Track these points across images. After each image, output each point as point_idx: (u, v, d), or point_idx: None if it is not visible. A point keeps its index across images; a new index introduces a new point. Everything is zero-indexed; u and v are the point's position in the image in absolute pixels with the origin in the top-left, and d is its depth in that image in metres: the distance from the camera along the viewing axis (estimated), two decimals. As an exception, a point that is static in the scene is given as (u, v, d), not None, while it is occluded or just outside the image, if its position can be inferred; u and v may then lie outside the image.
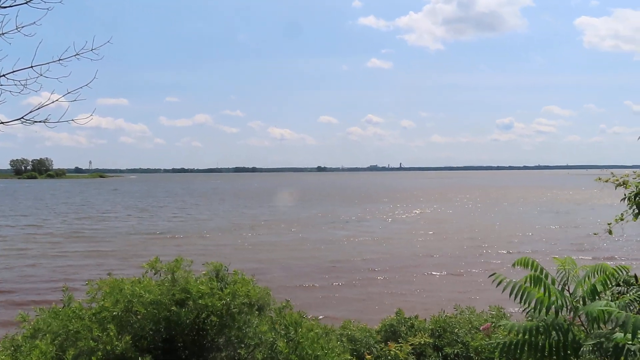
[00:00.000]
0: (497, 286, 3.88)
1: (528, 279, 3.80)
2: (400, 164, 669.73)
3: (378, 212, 52.49)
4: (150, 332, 4.60)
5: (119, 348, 4.19)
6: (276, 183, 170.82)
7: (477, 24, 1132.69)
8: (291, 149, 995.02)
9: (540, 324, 3.64)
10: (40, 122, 4.20)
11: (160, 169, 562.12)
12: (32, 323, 4.53)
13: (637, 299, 4.12)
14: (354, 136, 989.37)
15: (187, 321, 4.63)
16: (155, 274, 5.07)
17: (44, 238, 33.77)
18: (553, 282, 3.87)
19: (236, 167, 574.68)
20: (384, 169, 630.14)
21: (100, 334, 4.25)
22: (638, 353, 3.24)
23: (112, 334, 4.21)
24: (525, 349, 3.64)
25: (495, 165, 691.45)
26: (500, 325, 6.08)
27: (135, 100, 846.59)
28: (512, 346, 3.71)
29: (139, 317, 4.54)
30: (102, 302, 4.58)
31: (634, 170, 7.07)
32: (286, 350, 4.54)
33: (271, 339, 4.69)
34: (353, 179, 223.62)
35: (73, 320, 4.37)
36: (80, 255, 27.03)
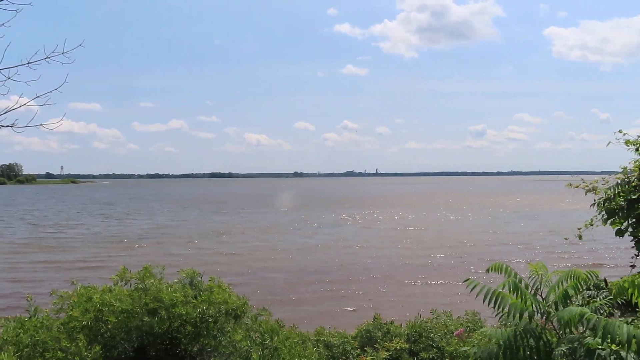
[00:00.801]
0: (470, 291, 3.90)
1: (506, 285, 3.83)
2: (377, 169, 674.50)
3: (353, 218, 52.63)
4: (122, 342, 4.49)
5: (88, 358, 4.08)
6: (251, 189, 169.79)
7: (450, 32, 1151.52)
8: (267, 155, 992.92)
9: (517, 331, 3.67)
10: (7, 126, 4.08)
11: (135, 175, 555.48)
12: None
13: (607, 303, 4.20)
14: (330, 142, 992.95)
15: (160, 330, 4.53)
16: (125, 284, 4.96)
17: (4, 247, 32.26)
18: (526, 287, 3.92)
19: (212, 173, 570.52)
20: (360, 174, 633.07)
21: (68, 345, 4.13)
22: (608, 357, 3.29)
23: (81, 344, 4.09)
24: (500, 356, 3.66)
25: (470, 171, 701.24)
26: (475, 331, 6.13)
27: (108, 105, 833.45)
28: (487, 355, 3.73)
29: (109, 326, 4.42)
30: (70, 312, 4.45)
31: (603, 176, 7.25)
32: (259, 361, 4.49)
33: (246, 348, 4.62)
34: (329, 185, 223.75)
35: (40, 331, 4.24)
36: (43, 265, 25.87)
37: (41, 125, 4.43)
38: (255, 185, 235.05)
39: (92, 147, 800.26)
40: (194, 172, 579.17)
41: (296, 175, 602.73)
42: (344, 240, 35.06)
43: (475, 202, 79.14)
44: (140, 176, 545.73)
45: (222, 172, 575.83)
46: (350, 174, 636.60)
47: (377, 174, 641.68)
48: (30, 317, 4.49)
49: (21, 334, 4.24)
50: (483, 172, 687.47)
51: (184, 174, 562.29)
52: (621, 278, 4.11)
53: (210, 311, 4.63)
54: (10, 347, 4.08)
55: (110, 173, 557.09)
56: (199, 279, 5.17)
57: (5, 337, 4.28)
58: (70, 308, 4.52)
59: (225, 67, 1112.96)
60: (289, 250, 30.70)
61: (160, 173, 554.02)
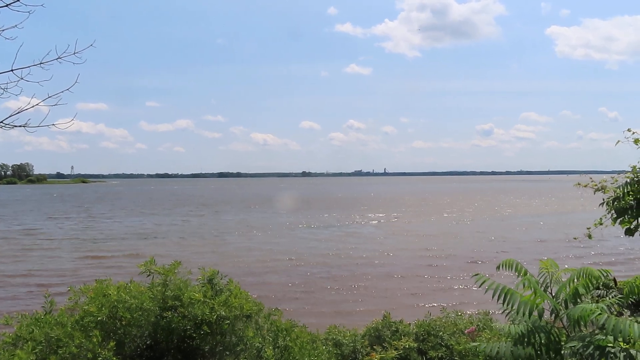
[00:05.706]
0: (479, 287, 3.89)
1: (523, 282, 3.81)
2: (385, 169, 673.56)
3: (362, 219, 52.54)
4: (135, 339, 4.53)
5: (102, 354, 4.12)
6: (261, 189, 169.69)
7: (452, 31, 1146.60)
8: (275, 154, 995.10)
9: (529, 327, 3.66)
10: (19, 126, 4.13)
11: (144, 174, 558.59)
12: (14, 329, 4.43)
13: (617, 301, 4.19)
14: (337, 141, 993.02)
15: (177, 328, 4.56)
16: (148, 276, 4.99)
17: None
18: (536, 284, 3.92)
19: (220, 172, 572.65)
20: (368, 174, 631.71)
21: (83, 340, 4.17)
22: (618, 355, 3.28)
23: (95, 340, 4.13)
24: (510, 353, 3.67)
25: (479, 171, 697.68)
26: (486, 329, 6.12)
27: (115, 104, 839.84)
28: (497, 351, 3.73)
29: (123, 323, 4.47)
30: (86, 307, 4.49)
31: (612, 175, 7.20)
32: (273, 358, 4.50)
33: (258, 344, 4.65)
34: (337, 185, 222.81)
35: (54, 328, 4.28)
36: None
37: (53, 125, 4.47)
38: (265, 184, 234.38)
39: (101, 146, 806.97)
40: (203, 172, 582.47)
41: (304, 174, 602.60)
42: (353, 241, 34.96)
43: (486, 204, 78.70)
44: (149, 176, 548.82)
45: (230, 171, 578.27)
46: (358, 173, 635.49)
47: (385, 174, 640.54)
48: (45, 314, 4.54)
49: (35, 331, 4.28)
50: (492, 172, 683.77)
51: (192, 174, 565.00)
52: (634, 277, 4.10)
53: (227, 312, 4.65)
54: (29, 343, 4.12)
55: (120, 173, 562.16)
56: (220, 279, 5.15)
57: (19, 334, 4.33)
58: (86, 303, 4.57)
59: (227, 67, 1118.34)
60: (295, 250, 30.52)
61: (169, 173, 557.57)
